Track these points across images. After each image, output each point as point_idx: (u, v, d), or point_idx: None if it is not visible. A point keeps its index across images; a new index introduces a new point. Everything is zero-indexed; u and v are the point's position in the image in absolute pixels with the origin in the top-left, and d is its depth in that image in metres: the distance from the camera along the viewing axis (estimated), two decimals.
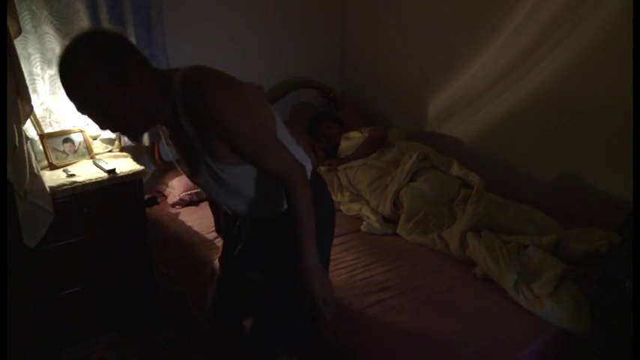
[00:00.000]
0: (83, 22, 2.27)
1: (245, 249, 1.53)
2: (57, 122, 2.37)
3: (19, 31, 1.95)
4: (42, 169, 2.24)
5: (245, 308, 1.64)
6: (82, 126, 2.41)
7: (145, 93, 1.19)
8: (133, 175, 2.27)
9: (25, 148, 1.85)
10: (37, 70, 2.23)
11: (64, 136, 2.35)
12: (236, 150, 1.26)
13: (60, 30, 2.23)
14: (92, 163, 2.34)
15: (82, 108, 1.17)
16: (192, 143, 1.27)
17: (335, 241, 1.75)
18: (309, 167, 1.47)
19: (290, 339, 1.45)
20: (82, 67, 1.12)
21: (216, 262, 1.97)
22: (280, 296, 1.45)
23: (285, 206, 1.35)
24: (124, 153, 2.52)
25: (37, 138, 2.30)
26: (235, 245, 1.56)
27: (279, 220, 1.41)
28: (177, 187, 2.57)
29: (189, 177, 1.43)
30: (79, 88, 1.13)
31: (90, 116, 1.19)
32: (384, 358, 1.49)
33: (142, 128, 1.27)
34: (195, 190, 2.56)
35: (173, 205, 2.56)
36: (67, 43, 1.16)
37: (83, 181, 2.15)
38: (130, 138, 1.31)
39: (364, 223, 2.28)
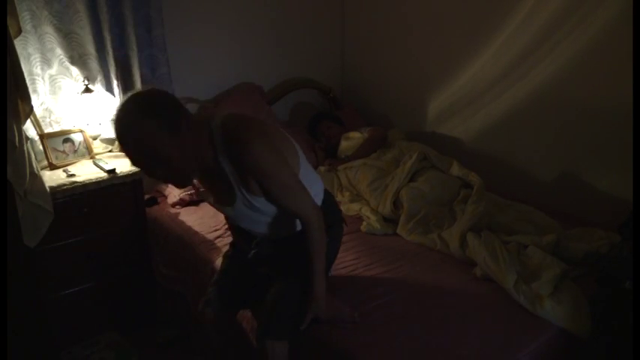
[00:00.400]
0: (83, 22, 2.27)
1: (261, 256, 1.68)
2: (57, 122, 2.37)
3: (19, 31, 1.94)
4: (42, 169, 2.24)
5: (242, 301, 1.73)
6: (82, 126, 2.41)
7: (193, 140, 1.35)
8: (133, 175, 2.27)
9: (25, 148, 1.85)
10: (37, 70, 2.23)
11: (64, 136, 2.35)
12: (268, 192, 1.47)
13: (60, 30, 2.23)
14: (92, 163, 2.34)
15: (137, 160, 1.33)
16: (229, 180, 1.46)
17: None
18: (320, 187, 1.69)
19: (287, 329, 1.56)
20: (139, 119, 1.27)
21: (219, 260, 1.98)
22: (291, 292, 1.59)
23: (299, 227, 1.59)
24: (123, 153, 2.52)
25: (37, 138, 2.30)
26: (249, 250, 1.69)
27: (293, 238, 1.62)
28: None
29: (216, 206, 1.62)
30: (137, 141, 1.28)
31: (144, 166, 1.35)
32: (383, 359, 1.49)
33: (190, 173, 1.42)
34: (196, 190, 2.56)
35: (173, 205, 2.56)
36: (121, 102, 1.31)
37: (83, 181, 2.15)
38: (179, 184, 1.45)
39: (364, 223, 2.28)
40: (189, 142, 1.33)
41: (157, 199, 2.63)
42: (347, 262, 1.98)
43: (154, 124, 1.26)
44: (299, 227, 1.60)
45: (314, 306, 1.56)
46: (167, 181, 1.59)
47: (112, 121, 1.37)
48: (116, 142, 2.56)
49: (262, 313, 1.60)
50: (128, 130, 1.28)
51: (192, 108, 2.84)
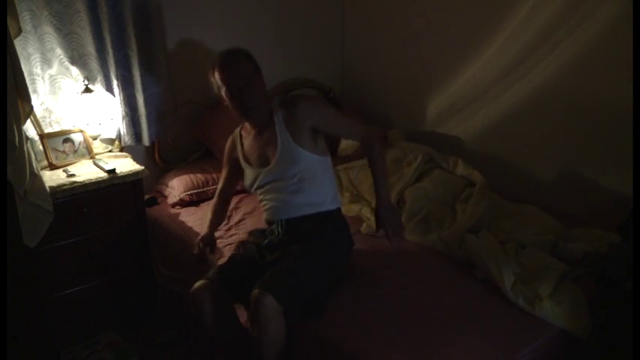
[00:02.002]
0: (83, 22, 2.27)
1: (273, 244, 1.87)
2: (57, 122, 2.37)
3: (19, 31, 1.94)
4: (42, 169, 2.24)
5: (240, 291, 1.74)
6: (82, 126, 2.41)
7: (264, 86, 1.91)
8: (133, 175, 2.27)
9: (25, 148, 1.85)
10: (37, 70, 2.23)
11: (64, 136, 2.35)
12: (332, 130, 2.00)
13: (60, 30, 2.23)
14: (92, 163, 2.34)
15: (239, 85, 1.81)
16: (275, 133, 1.87)
17: None
18: (340, 202, 2.03)
19: (287, 295, 1.62)
20: (244, 61, 1.86)
21: (221, 260, 1.98)
22: (299, 267, 1.70)
23: (322, 208, 1.89)
24: (124, 153, 2.52)
25: (37, 138, 2.30)
26: (262, 240, 1.91)
27: (306, 222, 1.87)
28: (177, 187, 2.57)
29: (252, 172, 1.96)
30: (247, 57, 1.87)
31: (240, 91, 1.81)
32: (383, 359, 1.49)
33: (258, 105, 1.85)
34: (196, 191, 2.56)
35: (173, 206, 2.56)
36: (225, 50, 1.89)
37: (83, 181, 2.15)
38: (248, 109, 1.84)
39: (364, 224, 2.28)
40: (265, 86, 1.90)
41: (157, 199, 2.63)
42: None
43: (253, 65, 1.87)
44: (322, 209, 1.89)
45: (384, 211, 1.86)
46: (243, 104, 1.85)
47: (221, 53, 1.88)
48: (116, 142, 2.56)
49: (267, 275, 1.66)
50: (240, 52, 1.88)
51: (192, 108, 2.84)
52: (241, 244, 1.99)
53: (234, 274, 1.80)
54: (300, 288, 1.67)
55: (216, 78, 1.85)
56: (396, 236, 1.85)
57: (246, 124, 1.99)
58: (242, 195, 2.56)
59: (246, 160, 1.99)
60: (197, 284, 1.75)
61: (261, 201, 2.00)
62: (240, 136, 2.03)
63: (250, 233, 2.04)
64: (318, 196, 1.89)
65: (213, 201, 2.16)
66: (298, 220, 1.87)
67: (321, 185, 1.91)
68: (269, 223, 1.96)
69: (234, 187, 2.18)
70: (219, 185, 2.15)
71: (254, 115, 1.88)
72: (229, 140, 2.09)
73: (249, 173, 1.99)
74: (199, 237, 2.04)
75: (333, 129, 1.99)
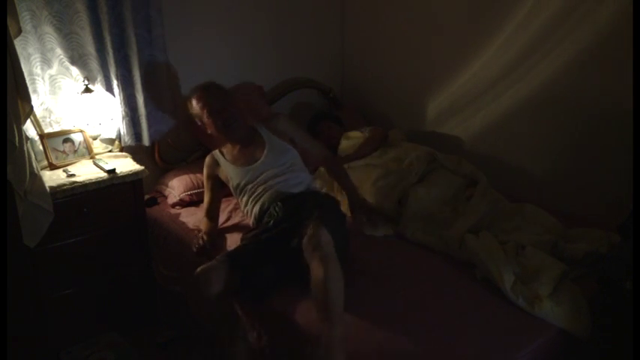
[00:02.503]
0: (83, 22, 2.27)
1: (278, 220, 1.97)
2: (57, 122, 2.37)
3: (19, 31, 1.94)
4: (42, 169, 2.24)
5: (248, 277, 1.82)
6: (82, 126, 2.41)
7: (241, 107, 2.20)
8: (133, 175, 2.27)
9: (25, 148, 1.85)
10: (37, 70, 2.23)
11: (64, 136, 2.35)
12: (304, 144, 2.25)
13: (60, 30, 2.23)
14: (92, 163, 2.34)
15: (216, 106, 2.08)
16: (262, 139, 2.16)
17: None
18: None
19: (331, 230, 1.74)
20: (215, 88, 2.15)
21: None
22: (325, 218, 1.82)
23: (311, 188, 2.16)
24: (124, 153, 2.52)
25: (37, 138, 2.30)
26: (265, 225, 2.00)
27: (306, 194, 2.09)
28: (177, 187, 2.57)
29: (243, 170, 2.13)
30: (219, 95, 2.11)
31: (219, 111, 2.07)
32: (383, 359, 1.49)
33: (242, 123, 2.14)
34: (196, 191, 2.56)
35: (173, 206, 2.56)
36: (196, 85, 2.16)
37: (83, 181, 2.15)
38: (234, 126, 2.10)
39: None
40: (238, 105, 2.17)
41: (157, 199, 2.63)
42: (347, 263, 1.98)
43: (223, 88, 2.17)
44: (307, 184, 2.14)
45: (359, 202, 2.23)
46: (225, 120, 2.08)
47: (194, 87, 2.13)
48: (116, 142, 2.56)
49: (314, 217, 1.80)
50: (210, 83, 2.15)
51: None
52: (244, 239, 2.03)
53: (240, 262, 1.84)
54: (332, 233, 1.75)
55: (195, 107, 2.11)
56: (367, 223, 2.16)
57: (227, 145, 2.19)
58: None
59: (233, 163, 2.16)
60: (205, 265, 1.80)
61: (248, 199, 2.11)
62: (221, 152, 2.22)
63: (244, 234, 2.07)
64: (307, 179, 2.16)
65: (202, 216, 2.27)
66: (294, 197, 2.04)
67: (306, 172, 2.19)
68: (262, 213, 2.06)
69: (219, 203, 2.31)
70: (206, 206, 2.26)
71: (237, 130, 2.11)
72: (208, 158, 2.24)
73: (237, 173, 2.13)
74: (202, 231, 2.16)
75: (304, 144, 2.27)
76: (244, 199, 2.13)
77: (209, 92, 2.10)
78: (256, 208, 2.08)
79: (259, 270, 1.82)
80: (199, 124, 2.14)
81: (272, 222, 1.97)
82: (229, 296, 1.82)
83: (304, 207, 1.96)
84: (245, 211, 2.17)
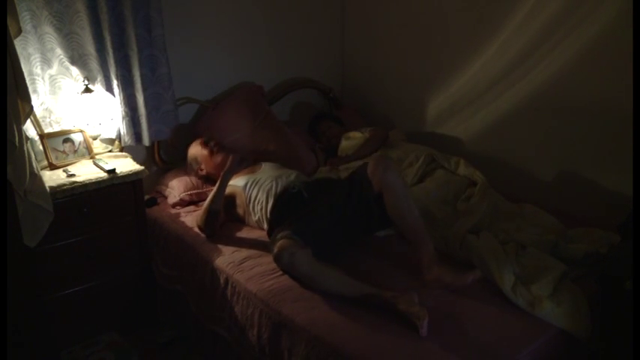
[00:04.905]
0: (83, 22, 2.27)
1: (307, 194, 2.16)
2: (57, 122, 2.37)
3: (19, 31, 1.94)
4: (42, 169, 2.23)
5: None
6: (82, 126, 2.41)
7: None
8: (133, 175, 2.27)
9: (25, 148, 1.84)
10: (37, 70, 2.23)
11: (64, 136, 2.35)
12: None
13: (60, 30, 2.23)
14: (92, 163, 2.34)
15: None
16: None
17: None
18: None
19: None
20: None
21: (220, 259, 1.98)
22: None
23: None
24: (124, 153, 2.52)
25: (37, 138, 2.30)
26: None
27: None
28: (177, 187, 2.57)
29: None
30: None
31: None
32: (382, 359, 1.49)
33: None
34: (196, 191, 2.56)
35: (173, 206, 2.56)
36: None
37: (83, 181, 2.15)
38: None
39: None
40: None
41: (157, 199, 2.63)
42: (347, 263, 1.98)
43: None
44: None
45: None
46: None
47: None
48: (116, 142, 2.56)
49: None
50: None
51: (192, 108, 2.84)
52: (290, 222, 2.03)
53: (308, 235, 1.91)
54: None
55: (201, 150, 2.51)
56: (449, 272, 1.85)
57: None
58: None
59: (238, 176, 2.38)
60: (284, 242, 1.84)
61: (258, 193, 2.26)
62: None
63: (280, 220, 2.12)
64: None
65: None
66: (317, 182, 2.30)
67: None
68: (283, 190, 2.22)
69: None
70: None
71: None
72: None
73: (246, 177, 2.36)
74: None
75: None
76: (254, 192, 2.29)
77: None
78: (275, 190, 2.22)
79: (328, 237, 1.97)
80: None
81: (302, 191, 2.17)
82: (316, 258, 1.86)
83: (329, 179, 2.32)
84: (258, 201, 2.25)
